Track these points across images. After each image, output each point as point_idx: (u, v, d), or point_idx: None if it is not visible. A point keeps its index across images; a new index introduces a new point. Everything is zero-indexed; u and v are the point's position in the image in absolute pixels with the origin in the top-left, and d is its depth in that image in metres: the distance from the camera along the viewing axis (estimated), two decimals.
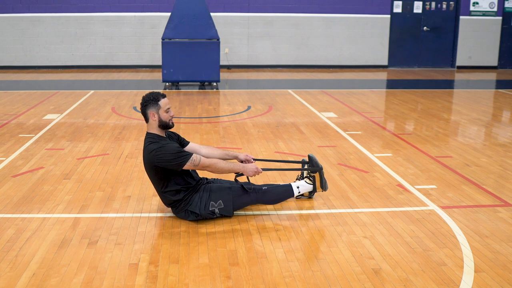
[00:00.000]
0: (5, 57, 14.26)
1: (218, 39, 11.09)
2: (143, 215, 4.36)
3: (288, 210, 4.51)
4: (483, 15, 15.42)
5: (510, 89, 11.89)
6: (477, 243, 3.88)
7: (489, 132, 7.65)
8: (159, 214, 4.36)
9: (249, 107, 9.15)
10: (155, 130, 4.18)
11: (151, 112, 4.15)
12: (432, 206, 4.61)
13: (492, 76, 14.52)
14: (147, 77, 13.20)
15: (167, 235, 3.98)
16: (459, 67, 15.61)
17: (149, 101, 4.15)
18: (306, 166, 4.70)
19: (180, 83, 11.64)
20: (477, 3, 15.35)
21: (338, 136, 7.12)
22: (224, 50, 14.52)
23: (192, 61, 11.07)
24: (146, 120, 4.20)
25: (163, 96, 4.20)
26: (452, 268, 3.51)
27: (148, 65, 14.60)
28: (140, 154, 5.96)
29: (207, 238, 3.94)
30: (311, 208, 4.55)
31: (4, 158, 5.92)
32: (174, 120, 4.47)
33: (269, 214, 4.41)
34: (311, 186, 4.58)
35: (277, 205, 4.59)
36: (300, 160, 4.90)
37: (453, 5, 15.44)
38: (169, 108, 4.18)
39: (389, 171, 5.56)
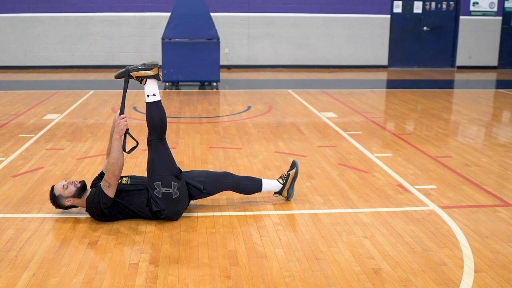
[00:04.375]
0: (5, 57, 14.26)
1: (218, 39, 11.09)
2: None
3: (288, 210, 4.51)
4: (483, 15, 15.42)
5: (510, 89, 11.89)
6: (477, 243, 3.88)
7: (489, 132, 7.65)
8: None
9: (249, 107, 9.15)
10: (83, 203, 4.17)
11: (66, 202, 4.17)
12: (432, 206, 4.61)
13: (492, 76, 14.52)
14: None
15: (167, 235, 3.98)
16: (459, 67, 15.61)
17: (55, 201, 4.18)
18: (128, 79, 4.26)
19: (180, 83, 11.63)
20: (477, 3, 15.35)
21: (338, 136, 7.12)
22: (224, 50, 14.53)
23: (192, 61, 11.07)
24: (75, 206, 4.23)
25: (52, 188, 4.19)
26: (452, 268, 3.51)
27: None
28: (140, 154, 5.95)
29: (207, 238, 3.94)
30: (311, 208, 4.55)
31: (4, 158, 5.92)
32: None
33: (269, 214, 4.41)
34: (146, 80, 4.19)
35: (277, 205, 4.59)
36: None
37: (453, 5, 15.44)
38: (65, 185, 4.14)
39: (389, 171, 5.56)
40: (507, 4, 15.49)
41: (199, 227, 4.14)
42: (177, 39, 11.07)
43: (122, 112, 4.21)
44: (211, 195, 4.46)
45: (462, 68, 15.61)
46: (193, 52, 11.03)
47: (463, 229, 4.14)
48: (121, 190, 4.17)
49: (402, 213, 4.44)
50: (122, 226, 4.13)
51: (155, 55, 14.17)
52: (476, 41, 15.49)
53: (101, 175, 4.40)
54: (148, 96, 4.20)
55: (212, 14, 12.64)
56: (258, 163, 5.80)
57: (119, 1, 14.31)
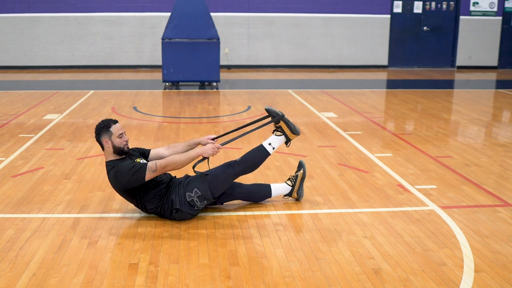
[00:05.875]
0: (5, 57, 14.26)
1: (218, 39, 11.09)
2: (143, 215, 4.36)
3: (288, 210, 4.52)
4: (483, 15, 15.42)
5: (510, 89, 11.89)
6: (477, 243, 3.88)
7: (489, 132, 7.65)
8: None
9: (249, 107, 9.15)
10: (112, 156, 4.16)
11: (104, 139, 4.13)
12: (432, 206, 4.61)
13: (492, 76, 14.52)
14: (147, 77, 13.20)
15: (167, 235, 3.98)
16: (459, 67, 15.61)
17: (101, 129, 4.14)
18: (268, 120, 4.54)
19: (180, 83, 11.64)
20: (477, 3, 15.35)
21: (338, 136, 7.12)
22: (224, 50, 14.52)
23: (192, 61, 11.07)
24: (102, 148, 4.19)
25: (115, 122, 4.18)
26: (452, 268, 3.51)
27: (148, 65, 14.61)
28: None
29: (207, 238, 3.94)
30: (311, 208, 4.55)
31: (4, 158, 5.92)
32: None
33: (269, 214, 4.41)
34: (282, 136, 4.47)
35: (277, 205, 4.59)
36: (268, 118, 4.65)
37: (453, 5, 15.44)
38: (122, 134, 4.14)
39: (389, 171, 5.56)
40: (507, 4, 15.49)
41: (199, 227, 4.14)
42: (177, 39, 11.07)
43: (225, 143, 4.39)
44: (221, 204, 4.54)
45: (462, 68, 15.61)
46: (193, 52, 11.03)
47: (463, 229, 4.14)
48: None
49: (402, 213, 4.44)
50: (123, 226, 4.13)
51: (155, 55, 14.18)
52: (476, 41, 15.49)
53: (141, 151, 4.41)
54: (269, 144, 4.43)
55: (212, 14, 12.64)
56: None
57: (119, 1, 14.31)
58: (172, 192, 4.20)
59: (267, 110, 4.53)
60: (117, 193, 4.30)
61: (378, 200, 4.73)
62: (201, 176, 4.25)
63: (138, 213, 4.39)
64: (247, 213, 4.43)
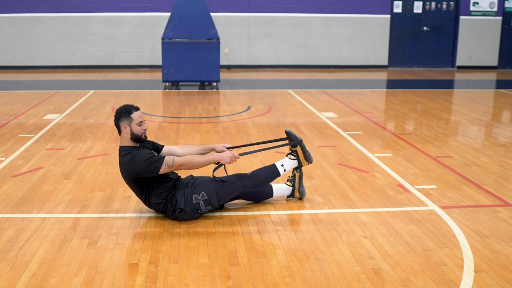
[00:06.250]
0: (5, 57, 14.26)
1: (218, 39, 11.09)
2: (143, 215, 4.36)
3: (288, 210, 4.52)
4: (483, 15, 15.42)
5: (510, 89, 11.89)
6: (477, 243, 3.88)
7: (489, 132, 7.65)
8: (159, 214, 4.36)
9: (249, 107, 9.15)
10: (128, 142, 4.17)
11: (123, 124, 4.14)
12: (432, 206, 4.61)
13: (492, 76, 14.52)
14: (147, 77, 13.20)
15: (167, 235, 3.98)
16: (459, 67, 15.61)
17: (122, 114, 4.16)
18: (285, 142, 4.66)
19: (180, 83, 11.64)
20: (477, 3, 15.35)
21: (338, 136, 7.12)
22: (224, 50, 14.53)
23: (192, 61, 11.07)
24: (119, 132, 4.20)
25: (136, 109, 4.21)
26: (452, 268, 3.51)
27: (148, 65, 14.61)
28: None
29: (207, 238, 3.94)
30: (311, 208, 4.55)
31: (4, 158, 5.92)
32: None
33: (269, 214, 4.41)
34: (295, 161, 4.54)
35: (277, 205, 4.59)
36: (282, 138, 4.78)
37: (453, 5, 15.44)
38: (141, 122, 4.17)
39: (389, 171, 5.56)
40: (507, 4, 15.49)
41: (199, 227, 4.14)
42: (177, 39, 11.07)
43: (241, 155, 4.45)
44: (222, 208, 4.55)
45: (462, 68, 15.61)
46: (193, 52, 11.03)
47: (463, 229, 4.14)
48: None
49: (402, 213, 4.44)
50: (122, 226, 4.13)
51: (155, 55, 14.18)
52: (476, 41, 15.49)
53: (155, 145, 4.43)
54: (282, 165, 4.49)
55: (212, 14, 12.64)
56: (258, 163, 5.79)
57: (119, 1, 14.31)
58: (178, 192, 4.21)
59: (287, 132, 4.60)
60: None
61: (378, 200, 4.74)
62: (210, 181, 4.28)
63: (138, 213, 4.40)
64: (247, 213, 4.43)
